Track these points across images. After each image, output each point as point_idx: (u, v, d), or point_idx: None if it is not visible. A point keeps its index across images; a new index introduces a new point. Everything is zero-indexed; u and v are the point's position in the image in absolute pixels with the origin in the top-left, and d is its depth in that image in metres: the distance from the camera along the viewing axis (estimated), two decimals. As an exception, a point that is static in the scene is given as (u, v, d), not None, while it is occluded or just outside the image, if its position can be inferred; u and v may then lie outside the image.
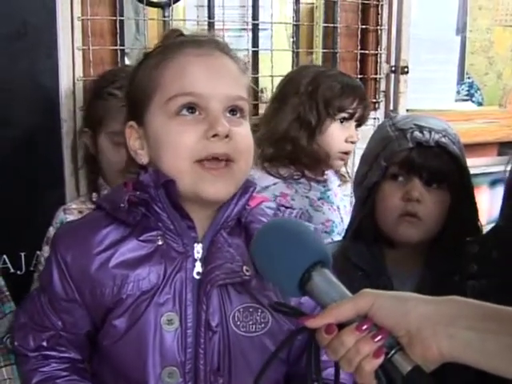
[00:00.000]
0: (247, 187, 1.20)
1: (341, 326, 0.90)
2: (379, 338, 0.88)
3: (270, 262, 0.98)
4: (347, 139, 2.07)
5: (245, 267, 1.14)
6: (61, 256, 1.18)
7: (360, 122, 2.11)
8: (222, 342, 1.15)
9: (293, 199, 2.00)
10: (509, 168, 1.47)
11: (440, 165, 1.53)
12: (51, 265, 1.20)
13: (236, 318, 1.16)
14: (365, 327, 0.89)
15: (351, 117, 2.06)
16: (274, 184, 2.02)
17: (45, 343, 1.23)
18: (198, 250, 1.17)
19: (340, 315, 0.91)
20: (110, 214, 1.18)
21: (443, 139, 1.53)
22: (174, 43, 1.19)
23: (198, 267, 1.16)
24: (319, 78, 2.07)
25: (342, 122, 2.05)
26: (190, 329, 1.14)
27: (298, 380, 1.25)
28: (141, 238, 1.16)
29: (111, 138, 1.75)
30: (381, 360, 0.87)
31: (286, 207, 1.26)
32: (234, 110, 1.16)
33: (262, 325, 1.17)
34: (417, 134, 1.53)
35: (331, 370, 1.04)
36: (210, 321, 1.14)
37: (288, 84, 2.13)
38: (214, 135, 1.11)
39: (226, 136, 1.12)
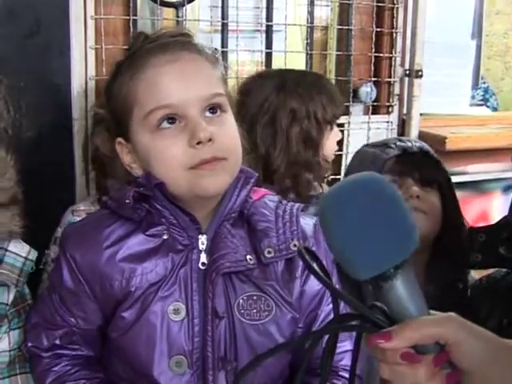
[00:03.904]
0: (248, 178, 1.23)
1: None
2: (453, 380, 0.78)
3: (350, 235, 0.76)
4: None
5: (248, 256, 1.18)
6: (70, 254, 1.22)
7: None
8: (228, 329, 1.18)
9: None
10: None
11: (427, 167, 1.64)
12: (61, 263, 1.23)
13: (240, 307, 1.19)
14: (440, 362, 0.77)
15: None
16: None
17: (58, 341, 1.26)
18: (203, 241, 1.20)
19: (419, 339, 0.77)
20: (115, 212, 1.21)
21: (423, 146, 1.68)
22: (140, 53, 1.19)
23: (203, 258, 1.19)
24: (307, 90, 1.94)
25: (331, 129, 1.97)
26: (197, 318, 1.18)
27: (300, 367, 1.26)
28: (147, 233, 1.19)
29: None
30: None
31: (289, 201, 1.26)
32: (212, 108, 1.17)
33: (266, 312, 1.20)
34: (400, 143, 1.65)
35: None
36: (217, 308, 1.17)
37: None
38: (198, 142, 1.12)
39: (210, 140, 1.13)
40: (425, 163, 1.64)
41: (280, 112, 1.89)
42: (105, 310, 1.22)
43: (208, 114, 1.16)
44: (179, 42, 1.20)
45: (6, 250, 1.33)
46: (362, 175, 0.81)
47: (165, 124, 1.15)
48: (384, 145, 1.66)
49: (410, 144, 1.65)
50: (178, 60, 1.16)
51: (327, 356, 0.83)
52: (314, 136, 1.91)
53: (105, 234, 1.20)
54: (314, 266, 0.81)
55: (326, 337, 0.84)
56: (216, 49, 1.26)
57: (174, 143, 1.14)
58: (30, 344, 1.29)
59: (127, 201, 1.17)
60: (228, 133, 1.18)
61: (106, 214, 1.23)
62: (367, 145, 1.77)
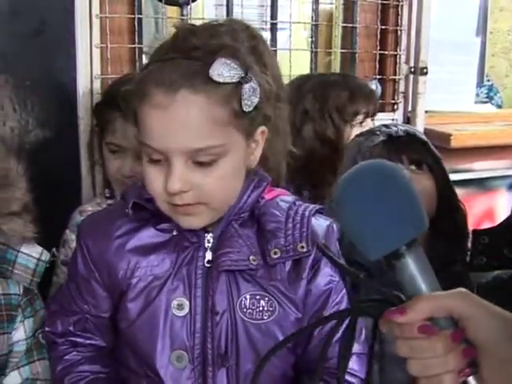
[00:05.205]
0: (260, 181, 1.23)
1: None
2: (469, 355, 0.78)
3: (364, 213, 0.79)
4: None
5: (251, 257, 1.18)
6: (83, 242, 1.27)
7: (373, 116, 2.09)
8: (229, 327, 1.19)
9: None
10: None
11: (414, 149, 1.62)
12: (76, 252, 1.29)
13: (243, 305, 1.20)
14: (457, 338, 0.78)
15: (367, 116, 2.04)
16: None
17: (72, 327, 1.30)
18: (209, 239, 1.21)
19: (432, 311, 0.78)
20: None
21: (410, 129, 1.66)
22: (148, 71, 1.13)
23: (209, 256, 1.21)
24: (323, 90, 2.01)
25: (361, 124, 2.02)
26: (199, 314, 1.19)
27: (306, 369, 1.27)
28: (158, 227, 1.22)
29: (109, 148, 1.80)
30: (463, 379, 0.78)
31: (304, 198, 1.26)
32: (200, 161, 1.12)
33: (269, 313, 1.21)
34: (385, 129, 1.64)
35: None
36: (216, 305, 1.18)
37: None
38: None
39: (182, 191, 1.12)
40: (411, 146, 1.62)
41: (295, 111, 1.91)
42: (113, 299, 1.26)
43: (196, 160, 1.12)
44: (184, 74, 1.08)
45: (19, 251, 1.37)
46: (376, 161, 0.88)
47: (153, 156, 1.13)
48: (370, 132, 1.66)
49: (395, 128, 1.63)
50: (169, 106, 1.08)
51: (347, 339, 0.84)
52: (330, 136, 1.94)
53: (117, 224, 1.24)
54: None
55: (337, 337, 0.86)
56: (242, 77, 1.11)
57: (156, 180, 1.14)
58: (47, 329, 1.33)
59: (127, 210, 1.21)
60: (213, 182, 1.13)
61: (122, 205, 1.26)
62: (357, 135, 1.76)
